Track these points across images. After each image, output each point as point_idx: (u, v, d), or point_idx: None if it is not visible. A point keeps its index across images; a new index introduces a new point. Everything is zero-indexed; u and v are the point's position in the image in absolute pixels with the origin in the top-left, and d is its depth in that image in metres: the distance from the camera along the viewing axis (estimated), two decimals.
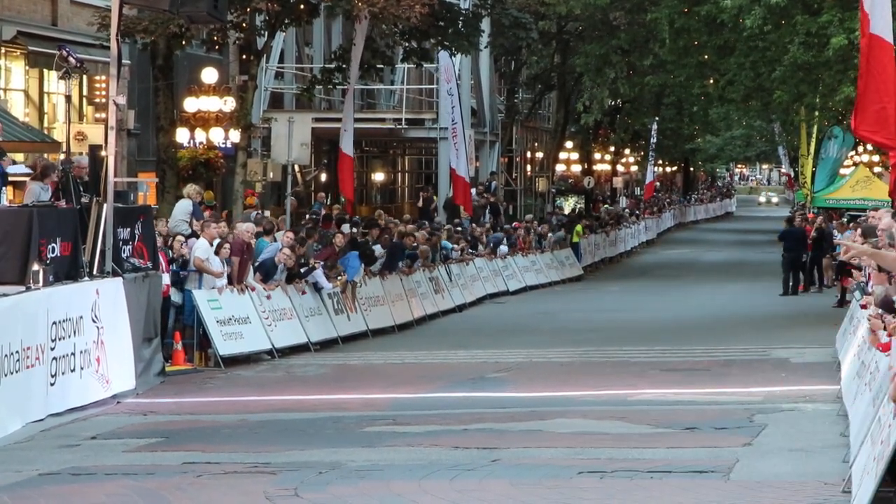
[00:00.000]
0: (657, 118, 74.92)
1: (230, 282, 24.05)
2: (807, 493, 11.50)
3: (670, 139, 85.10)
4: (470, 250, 39.29)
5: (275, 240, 26.77)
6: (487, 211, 47.65)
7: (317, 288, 26.76)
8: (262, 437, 15.28)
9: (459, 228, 40.31)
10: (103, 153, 19.28)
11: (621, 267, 55.81)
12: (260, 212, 32.64)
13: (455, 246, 37.86)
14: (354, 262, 28.98)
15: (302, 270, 26.35)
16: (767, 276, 41.98)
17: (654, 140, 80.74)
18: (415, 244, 33.67)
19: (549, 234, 47.70)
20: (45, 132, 33.80)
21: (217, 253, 23.66)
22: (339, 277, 27.83)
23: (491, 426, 15.62)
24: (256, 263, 25.49)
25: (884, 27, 21.44)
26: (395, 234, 33.22)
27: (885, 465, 9.93)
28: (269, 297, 24.91)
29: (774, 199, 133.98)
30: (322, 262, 27.30)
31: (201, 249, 23.43)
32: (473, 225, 42.84)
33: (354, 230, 33.01)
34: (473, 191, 46.33)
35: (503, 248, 42.42)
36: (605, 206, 67.28)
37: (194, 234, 24.57)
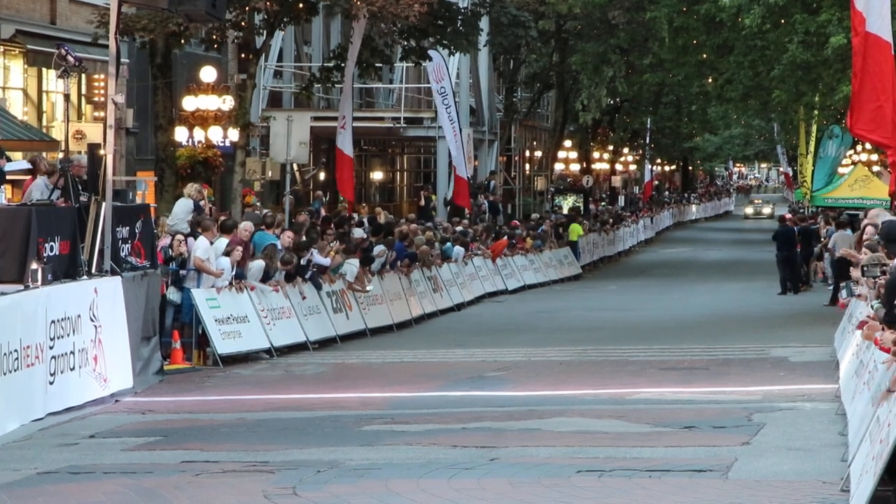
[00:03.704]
0: (650, 117, 74.89)
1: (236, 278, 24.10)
2: (805, 492, 11.50)
3: (669, 138, 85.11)
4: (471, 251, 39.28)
5: (277, 235, 26.74)
6: (487, 212, 47.61)
7: (315, 285, 26.70)
8: (260, 436, 15.27)
9: (459, 228, 40.28)
10: (102, 152, 19.27)
11: (620, 266, 55.84)
12: (262, 210, 32.64)
13: (459, 249, 37.83)
14: (354, 263, 29.01)
15: (302, 262, 26.29)
16: (766, 274, 41.97)
17: (649, 139, 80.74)
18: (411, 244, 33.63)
19: (549, 230, 47.72)
20: (44, 131, 33.82)
21: (228, 254, 23.60)
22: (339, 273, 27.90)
23: (489, 425, 15.61)
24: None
25: (881, 26, 21.38)
26: (396, 235, 33.22)
27: (883, 464, 9.93)
28: (275, 290, 24.94)
29: (766, 210, 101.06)
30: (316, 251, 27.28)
31: (202, 249, 23.39)
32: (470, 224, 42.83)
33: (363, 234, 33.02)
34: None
35: None
36: (604, 204, 67.25)
37: (194, 234, 24.53)
